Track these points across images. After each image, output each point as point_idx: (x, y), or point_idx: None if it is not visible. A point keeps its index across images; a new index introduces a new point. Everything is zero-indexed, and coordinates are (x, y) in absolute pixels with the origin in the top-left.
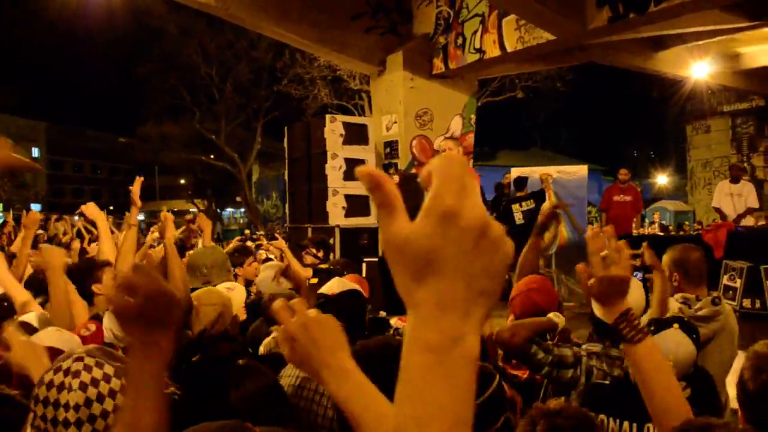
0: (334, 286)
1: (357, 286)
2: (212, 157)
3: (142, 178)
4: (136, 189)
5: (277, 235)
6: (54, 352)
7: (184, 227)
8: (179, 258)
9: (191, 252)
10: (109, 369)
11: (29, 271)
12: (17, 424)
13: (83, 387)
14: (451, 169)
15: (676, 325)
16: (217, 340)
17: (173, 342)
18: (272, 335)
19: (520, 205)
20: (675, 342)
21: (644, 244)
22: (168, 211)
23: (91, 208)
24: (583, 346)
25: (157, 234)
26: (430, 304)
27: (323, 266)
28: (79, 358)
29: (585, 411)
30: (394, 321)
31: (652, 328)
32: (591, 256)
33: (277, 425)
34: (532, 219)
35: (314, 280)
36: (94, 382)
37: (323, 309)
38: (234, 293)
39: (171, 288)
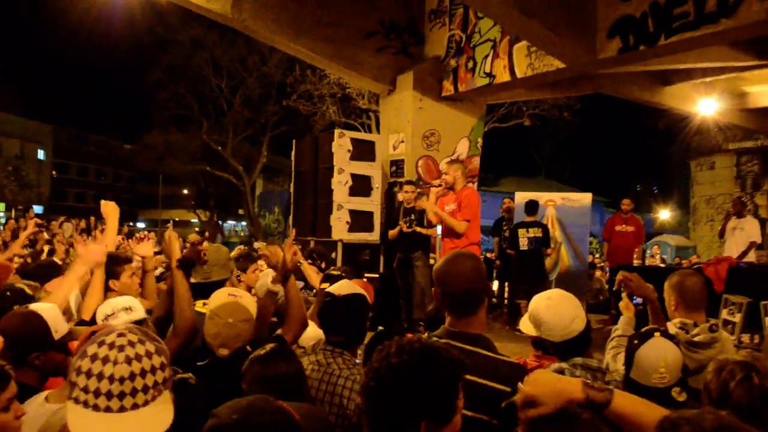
0: (342, 288)
1: (363, 291)
2: (217, 168)
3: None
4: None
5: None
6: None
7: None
8: (186, 282)
9: None
10: (150, 346)
11: None
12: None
13: (128, 360)
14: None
15: (657, 333)
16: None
17: None
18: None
19: (527, 231)
20: (662, 348)
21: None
22: (170, 221)
23: (109, 207)
24: (555, 365)
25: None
26: None
27: (334, 272)
28: (122, 334)
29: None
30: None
31: (636, 342)
32: None
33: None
34: (536, 248)
35: (325, 285)
36: (138, 357)
37: (329, 307)
38: (245, 300)
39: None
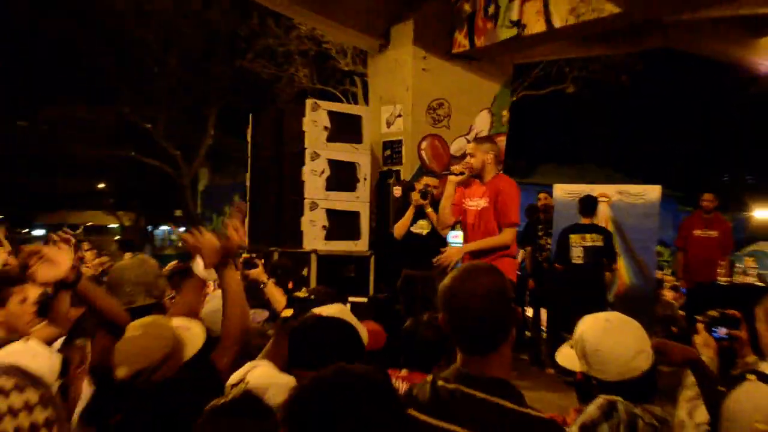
0: (332, 311)
1: (361, 328)
2: (145, 154)
3: None
4: None
5: (256, 261)
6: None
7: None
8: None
9: (115, 265)
10: (31, 395)
11: None
12: None
13: None
14: None
15: (752, 377)
16: (160, 390)
17: None
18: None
19: (583, 238)
20: (760, 396)
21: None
22: (83, 226)
23: None
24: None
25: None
26: None
27: (300, 294)
28: None
29: None
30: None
31: (723, 388)
32: None
33: None
34: (595, 262)
35: (288, 312)
36: (12, 411)
37: (303, 328)
38: (191, 334)
39: None
